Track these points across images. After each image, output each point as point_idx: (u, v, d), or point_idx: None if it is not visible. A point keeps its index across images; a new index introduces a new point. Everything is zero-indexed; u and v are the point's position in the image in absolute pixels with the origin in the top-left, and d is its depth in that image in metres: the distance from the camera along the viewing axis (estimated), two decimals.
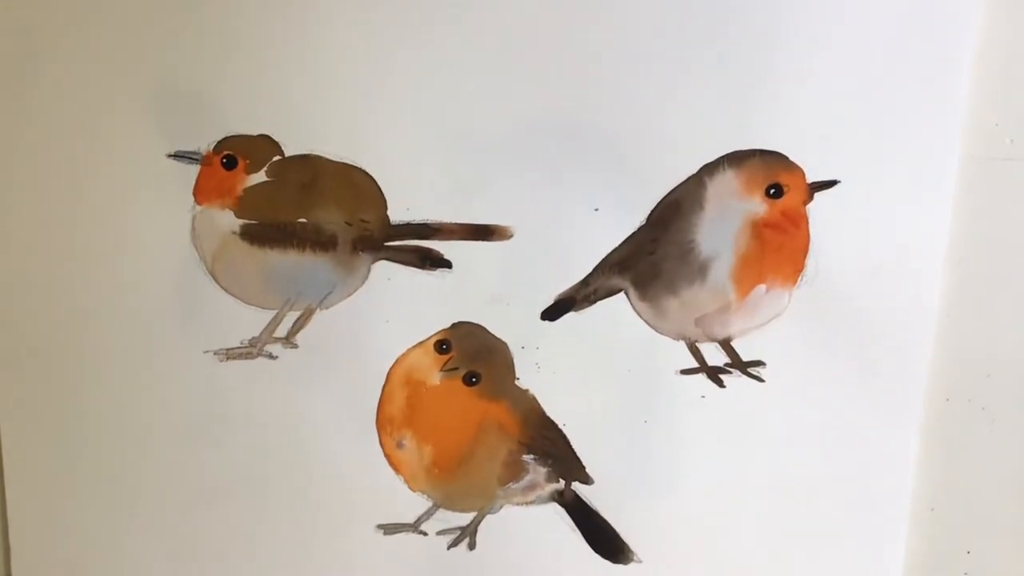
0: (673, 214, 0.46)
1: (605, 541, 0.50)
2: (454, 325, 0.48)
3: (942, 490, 0.49)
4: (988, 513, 0.49)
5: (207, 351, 0.48)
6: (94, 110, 0.46)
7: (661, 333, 0.47)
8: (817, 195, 0.45)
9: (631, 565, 0.50)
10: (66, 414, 0.50)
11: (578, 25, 0.44)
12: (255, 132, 0.46)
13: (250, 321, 0.48)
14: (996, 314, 0.47)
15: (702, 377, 0.48)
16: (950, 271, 0.46)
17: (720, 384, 0.48)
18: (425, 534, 0.50)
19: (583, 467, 0.49)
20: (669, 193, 0.46)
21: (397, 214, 0.46)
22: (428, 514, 0.50)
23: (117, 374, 0.49)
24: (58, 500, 0.51)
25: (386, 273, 0.47)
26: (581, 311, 0.47)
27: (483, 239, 0.46)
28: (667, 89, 0.44)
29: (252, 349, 0.48)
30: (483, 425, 0.48)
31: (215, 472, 0.50)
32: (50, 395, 0.49)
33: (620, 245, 0.46)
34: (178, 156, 0.46)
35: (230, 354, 0.48)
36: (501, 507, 0.50)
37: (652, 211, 0.46)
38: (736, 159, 0.45)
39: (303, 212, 0.47)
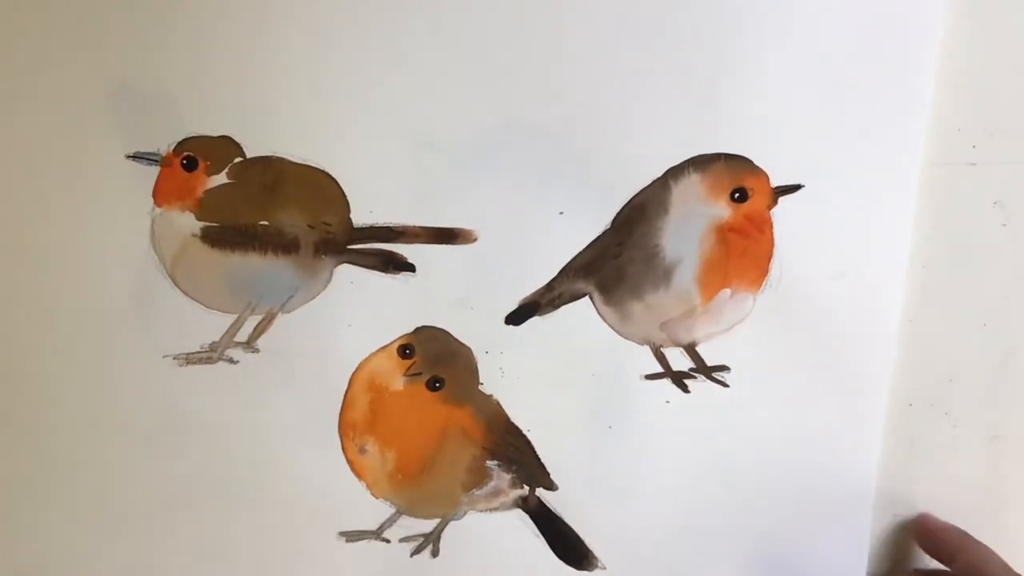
0: (638, 218, 0.46)
1: (569, 547, 0.49)
2: (417, 329, 0.47)
3: (905, 494, 0.49)
4: (950, 518, 0.49)
5: (166, 356, 0.47)
6: (52, 110, 0.45)
7: (626, 338, 0.47)
8: (781, 199, 0.45)
9: (595, 572, 0.50)
10: (23, 419, 0.48)
11: (543, 29, 0.44)
12: (216, 133, 0.45)
13: (210, 325, 0.47)
14: (958, 319, 0.47)
15: (667, 382, 0.48)
16: (913, 276, 0.46)
17: (685, 389, 0.48)
18: (388, 541, 0.50)
19: (547, 473, 0.49)
20: (634, 197, 0.45)
21: (360, 217, 0.46)
22: (391, 521, 0.49)
23: (75, 378, 0.48)
24: (14, 505, 0.50)
25: (349, 277, 0.47)
26: (546, 315, 0.47)
27: (447, 243, 0.46)
28: (632, 93, 0.44)
29: (212, 354, 0.47)
30: (447, 431, 0.48)
31: (175, 478, 0.49)
32: (5, 400, 0.48)
33: (585, 249, 0.46)
34: (137, 157, 0.45)
35: (190, 359, 0.47)
36: (465, 514, 0.49)
37: (617, 215, 0.46)
38: (701, 163, 0.45)
39: (265, 214, 0.46)
